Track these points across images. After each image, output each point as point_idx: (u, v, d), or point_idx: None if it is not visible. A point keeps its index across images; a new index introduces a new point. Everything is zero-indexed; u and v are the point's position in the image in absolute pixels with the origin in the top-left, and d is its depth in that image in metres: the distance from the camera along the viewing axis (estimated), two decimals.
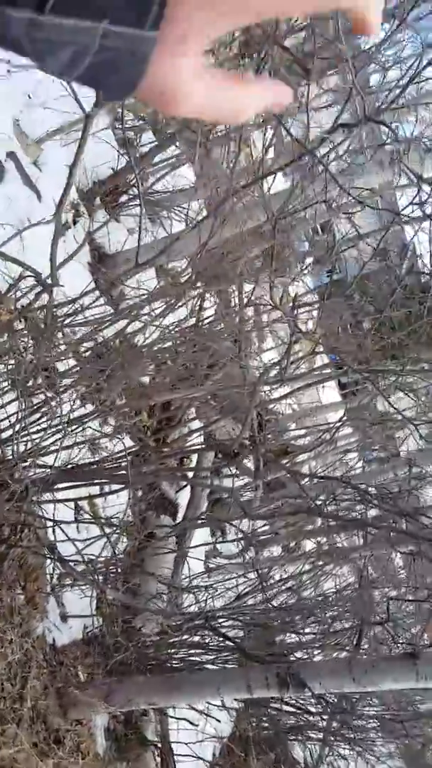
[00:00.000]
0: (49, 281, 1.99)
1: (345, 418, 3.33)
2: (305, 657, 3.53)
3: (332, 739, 4.20)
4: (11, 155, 3.33)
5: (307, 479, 2.60)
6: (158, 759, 3.87)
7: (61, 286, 2.16)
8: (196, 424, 3.66)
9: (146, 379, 3.51)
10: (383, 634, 3.28)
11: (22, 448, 2.67)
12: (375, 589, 3.83)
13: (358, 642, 3.11)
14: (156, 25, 0.38)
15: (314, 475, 2.55)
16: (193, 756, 3.80)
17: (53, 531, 2.81)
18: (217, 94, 0.43)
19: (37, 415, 2.88)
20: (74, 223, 3.77)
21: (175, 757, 3.79)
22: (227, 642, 3.20)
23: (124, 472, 2.44)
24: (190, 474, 3.71)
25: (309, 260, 4.10)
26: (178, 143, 3.68)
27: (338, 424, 2.89)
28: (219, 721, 4.27)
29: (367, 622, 3.19)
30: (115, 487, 2.79)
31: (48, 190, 3.50)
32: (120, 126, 3.71)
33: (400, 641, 3.00)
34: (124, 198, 3.95)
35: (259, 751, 4.71)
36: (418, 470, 3.31)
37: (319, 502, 2.69)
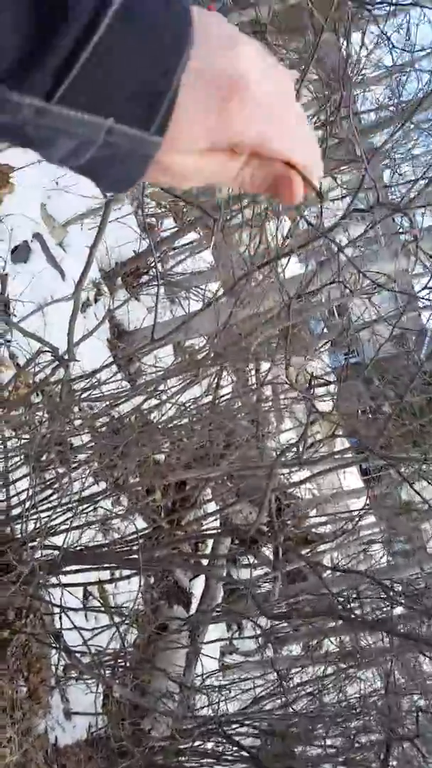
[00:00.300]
0: (66, 357, 1.98)
1: (367, 505, 3.18)
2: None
3: None
4: (37, 236, 3.46)
5: (328, 572, 2.42)
6: None
7: (77, 361, 2.15)
8: (212, 506, 3.52)
9: (161, 457, 3.43)
10: (412, 750, 2.94)
11: (31, 526, 2.57)
12: (403, 697, 3.49)
13: (385, 760, 2.78)
14: (161, 131, 0.39)
15: (336, 568, 2.38)
16: None
17: (59, 618, 2.63)
18: (219, 169, 0.44)
19: (48, 492, 2.80)
20: (95, 300, 3.86)
21: None
22: (242, 752, 2.88)
23: (135, 556, 2.30)
24: (205, 561, 3.53)
25: (325, 342, 4.11)
26: (197, 229, 3.82)
27: (361, 513, 2.75)
28: None
29: (395, 736, 2.87)
30: (125, 572, 2.63)
31: (71, 270, 3.61)
32: (141, 213, 3.89)
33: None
34: (144, 278, 4.06)
35: None
36: None
37: (341, 599, 2.49)
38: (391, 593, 2.49)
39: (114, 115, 0.37)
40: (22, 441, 2.84)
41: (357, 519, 2.77)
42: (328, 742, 3.52)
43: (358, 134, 2.99)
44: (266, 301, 3.21)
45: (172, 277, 3.88)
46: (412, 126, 3.99)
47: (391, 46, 3.35)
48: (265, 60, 0.43)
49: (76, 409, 3.12)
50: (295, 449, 2.21)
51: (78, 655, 2.66)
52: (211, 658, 3.79)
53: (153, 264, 3.64)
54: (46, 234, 3.55)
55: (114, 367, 3.19)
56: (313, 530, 3.93)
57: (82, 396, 3.02)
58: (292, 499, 3.49)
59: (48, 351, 2.02)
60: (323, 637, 4.26)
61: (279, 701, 3.50)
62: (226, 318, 2.85)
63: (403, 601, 2.53)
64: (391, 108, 4.19)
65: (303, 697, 3.66)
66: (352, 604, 2.98)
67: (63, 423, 2.71)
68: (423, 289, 2.67)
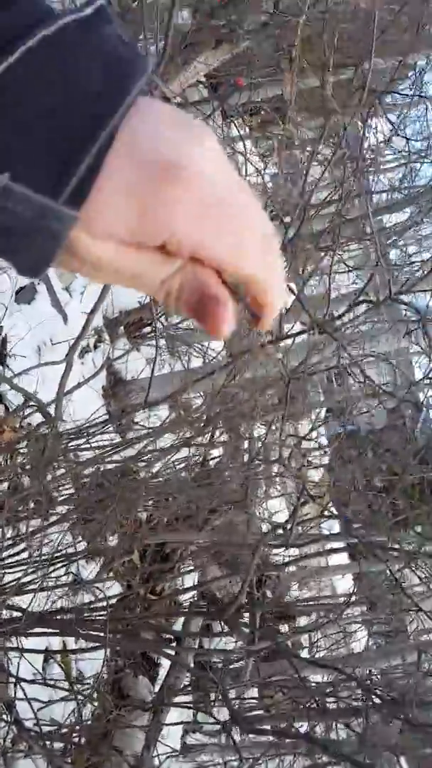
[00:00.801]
0: (53, 414, 1.90)
1: (354, 594, 3.03)
2: None
3: None
4: (44, 278, 3.44)
5: (304, 665, 2.28)
6: None
7: (63, 421, 2.06)
8: (191, 574, 3.36)
9: (143, 516, 3.29)
10: None
11: None
12: None
13: None
14: (76, 202, 0.31)
15: (313, 661, 2.23)
16: None
17: (14, 686, 2.44)
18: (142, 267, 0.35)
19: (20, 547, 2.65)
20: (95, 347, 3.81)
21: None
22: None
23: (101, 632, 2.15)
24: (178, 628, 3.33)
25: (322, 410, 4.05)
26: None
27: (346, 602, 2.61)
28: None
29: None
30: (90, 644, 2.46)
31: (75, 315, 3.57)
32: None
33: None
34: (146, 329, 4.03)
35: None
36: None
37: (315, 694, 2.33)
38: (369, 695, 2.32)
39: (11, 170, 0.30)
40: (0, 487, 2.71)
41: (342, 609, 2.63)
42: None
43: (370, 213, 3.03)
44: (266, 368, 3.16)
45: (174, 331, 3.85)
46: (420, 210, 4.07)
47: (405, 136, 3.43)
48: (223, 157, 0.36)
49: (61, 457, 3.01)
50: (282, 529, 2.10)
51: (30, 729, 2.46)
52: (175, 724, 3.52)
53: (156, 316, 3.61)
54: (54, 277, 3.53)
55: (105, 416, 3.09)
56: (294, 605, 3.75)
57: (69, 445, 2.92)
58: (275, 569, 3.33)
59: (36, 406, 1.94)
60: (294, 720, 4.01)
61: None
62: (224, 381, 2.80)
63: (380, 704, 2.35)
64: (403, 192, 4.28)
65: None
66: (326, 698, 2.80)
67: (44, 474, 2.59)
68: (423, 378, 2.60)
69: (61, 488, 2.87)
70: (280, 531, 2.20)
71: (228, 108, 4.61)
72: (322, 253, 3.06)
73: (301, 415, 3.49)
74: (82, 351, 3.63)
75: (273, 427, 3.15)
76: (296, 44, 3.51)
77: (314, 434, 2.89)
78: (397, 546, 2.33)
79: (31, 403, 1.99)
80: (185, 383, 2.78)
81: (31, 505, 2.74)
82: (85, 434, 2.55)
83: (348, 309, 1.66)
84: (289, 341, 2.82)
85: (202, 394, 3.16)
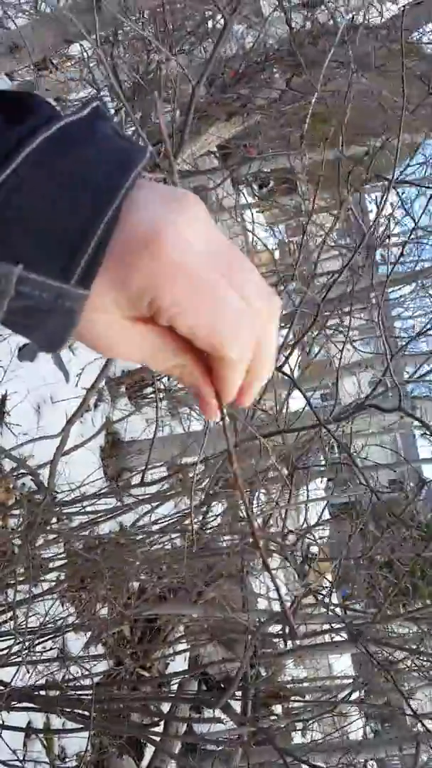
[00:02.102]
0: (47, 485, 1.85)
1: (353, 679, 2.91)
2: None
3: None
4: None
5: (294, 760, 2.15)
6: None
7: (56, 493, 2.01)
8: (182, 648, 3.22)
9: (136, 585, 3.18)
10: None
11: None
12: None
13: None
14: (85, 282, 0.34)
15: (304, 761, 2.11)
16: None
17: None
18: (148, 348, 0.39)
19: (7, 616, 2.55)
20: (95, 406, 3.78)
21: None
22: None
23: (86, 711, 2.04)
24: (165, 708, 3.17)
25: (323, 480, 3.99)
26: None
27: (343, 698, 2.49)
28: None
29: None
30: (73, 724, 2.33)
31: (77, 373, 3.56)
32: None
33: None
34: (148, 389, 4.01)
35: None
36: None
37: None
38: None
39: (21, 262, 0.33)
40: None
41: (339, 702, 2.50)
42: None
43: (374, 284, 3.06)
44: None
45: (176, 393, 3.83)
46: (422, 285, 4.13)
47: (413, 218, 3.51)
48: (209, 224, 0.38)
49: (54, 522, 2.94)
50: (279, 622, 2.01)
51: None
52: None
53: (158, 377, 3.59)
54: None
55: (103, 488, 3.03)
56: (288, 687, 3.57)
57: (63, 510, 2.85)
58: (271, 656, 3.20)
59: (29, 476, 1.89)
60: None
61: None
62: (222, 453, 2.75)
63: None
64: (410, 264, 4.37)
65: None
66: None
67: (35, 540, 2.52)
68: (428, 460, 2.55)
69: (51, 554, 2.78)
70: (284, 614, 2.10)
71: (238, 176, 4.75)
72: (329, 331, 3.07)
73: (300, 484, 3.43)
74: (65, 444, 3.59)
75: (273, 497, 3.08)
76: (307, 120, 3.64)
77: (319, 522, 2.83)
78: (395, 640, 2.23)
79: (24, 472, 1.94)
80: (184, 449, 2.73)
81: (21, 570, 2.66)
82: (80, 502, 2.49)
83: (354, 411, 1.64)
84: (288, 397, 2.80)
85: (201, 459, 3.10)
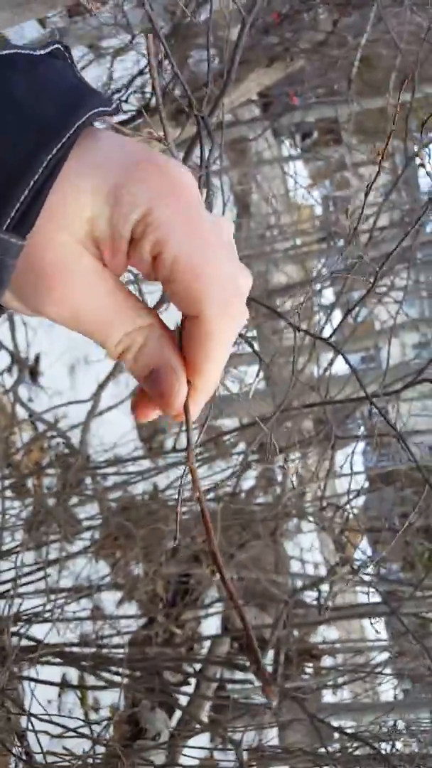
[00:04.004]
0: (79, 448, 1.82)
1: (386, 648, 2.88)
2: None
3: None
4: None
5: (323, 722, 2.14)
6: None
7: (88, 456, 1.99)
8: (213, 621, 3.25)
9: (170, 545, 3.20)
10: None
11: (15, 608, 2.36)
12: None
13: None
14: (20, 231, 0.30)
15: (330, 726, 2.10)
16: None
17: (27, 719, 2.37)
18: (102, 297, 0.33)
19: (45, 572, 2.59)
20: None
21: None
22: None
23: (119, 669, 2.06)
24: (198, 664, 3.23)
25: (361, 444, 3.90)
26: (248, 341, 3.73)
27: (376, 666, 2.46)
28: None
29: None
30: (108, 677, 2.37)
31: None
32: None
33: None
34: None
35: None
36: None
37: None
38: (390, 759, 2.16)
39: None
40: (25, 509, 2.67)
41: (371, 670, 2.48)
42: None
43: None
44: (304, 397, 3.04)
45: None
46: None
47: None
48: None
49: (89, 480, 2.95)
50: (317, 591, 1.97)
51: (40, 762, 2.39)
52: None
53: None
54: None
55: (138, 450, 3.02)
56: (320, 645, 3.60)
57: (97, 469, 2.86)
58: (305, 620, 3.20)
59: (60, 438, 1.87)
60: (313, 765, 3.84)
61: None
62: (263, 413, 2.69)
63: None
64: None
65: None
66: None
67: (69, 498, 2.54)
68: None
69: (85, 515, 2.81)
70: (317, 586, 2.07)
71: (280, 127, 4.52)
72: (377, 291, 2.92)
73: (337, 447, 3.35)
74: (114, 369, 3.56)
75: (309, 461, 3.02)
76: (355, 65, 3.40)
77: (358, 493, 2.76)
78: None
79: (54, 434, 1.93)
80: (219, 411, 2.67)
81: (56, 529, 2.69)
82: (114, 465, 2.48)
83: (407, 385, 1.53)
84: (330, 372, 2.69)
85: (238, 419, 3.05)
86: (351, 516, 2.09)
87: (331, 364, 1.77)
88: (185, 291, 0.32)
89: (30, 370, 2.94)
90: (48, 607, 2.38)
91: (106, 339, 0.34)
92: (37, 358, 3.11)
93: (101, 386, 1.59)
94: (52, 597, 2.35)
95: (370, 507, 3.89)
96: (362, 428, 4.77)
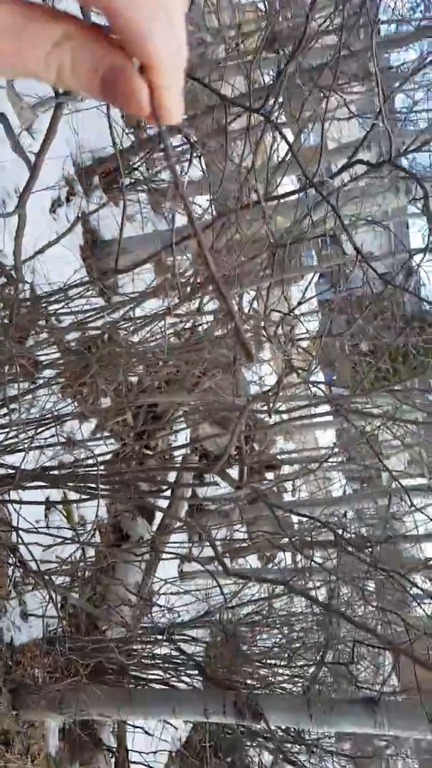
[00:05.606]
0: (14, 275, 1.80)
1: (335, 447, 3.19)
2: (267, 676, 3.44)
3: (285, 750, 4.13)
4: (1, 117, 3.06)
5: (283, 512, 2.45)
6: (112, 762, 3.79)
7: (26, 282, 1.97)
8: (183, 433, 3.49)
9: (134, 379, 3.34)
10: (345, 672, 3.18)
11: None
12: (343, 617, 3.71)
13: (321, 659, 2.99)
14: None
15: (290, 510, 2.41)
16: (146, 765, 3.73)
17: (16, 534, 2.66)
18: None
19: (8, 408, 2.72)
20: (68, 200, 3.50)
21: (130, 764, 3.71)
22: (189, 660, 3.08)
23: (92, 485, 2.28)
24: (171, 478, 3.57)
25: (315, 275, 3.92)
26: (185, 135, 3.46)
27: (327, 457, 2.74)
28: (176, 728, 4.19)
29: (331, 641, 3.09)
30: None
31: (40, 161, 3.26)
32: None
33: (362, 685, 2.90)
34: (126, 181, 3.71)
35: (215, 756, 4.64)
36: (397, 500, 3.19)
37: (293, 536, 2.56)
38: (341, 540, 2.53)
39: None
40: None
41: (322, 461, 2.78)
42: (273, 642, 3.80)
43: (374, 45, 2.62)
44: (256, 228, 2.99)
45: (157, 184, 3.54)
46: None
47: None
48: None
49: (43, 322, 2.97)
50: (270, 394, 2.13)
51: (35, 569, 2.73)
52: (173, 556, 3.91)
53: (137, 165, 3.31)
54: (12, 115, 3.13)
55: (85, 277, 2.98)
56: (278, 456, 3.98)
57: (49, 309, 2.86)
58: (261, 425, 3.48)
59: None
60: (275, 551, 4.47)
61: (230, 611, 3.71)
62: (212, 241, 2.65)
63: (350, 548, 2.56)
64: (416, 22, 3.66)
65: (253, 602, 3.88)
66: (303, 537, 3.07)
67: (18, 337, 2.57)
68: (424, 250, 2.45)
69: (46, 350, 2.87)
70: (269, 393, 2.23)
71: None
72: (321, 93, 2.72)
73: (292, 280, 3.38)
74: (53, 205, 3.36)
75: (262, 293, 3.07)
76: None
77: (304, 299, 2.82)
78: (375, 410, 2.40)
79: None
80: (168, 243, 2.63)
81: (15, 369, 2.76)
82: (65, 297, 2.48)
83: (343, 168, 1.50)
84: (278, 201, 2.62)
85: (188, 256, 3.02)
86: (297, 325, 2.19)
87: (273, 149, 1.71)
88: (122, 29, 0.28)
89: None
90: (21, 437, 2.54)
91: (30, 67, 0.29)
92: None
93: (22, 196, 1.52)
94: (20, 429, 2.50)
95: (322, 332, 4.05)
96: (315, 260, 4.78)
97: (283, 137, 2.09)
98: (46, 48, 0.29)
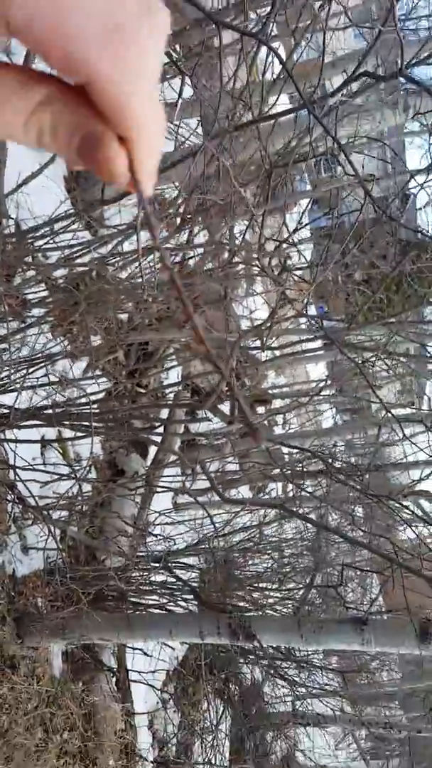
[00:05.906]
0: None
1: (326, 380, 3.21)
2: (259, 599, 3.61)
3: (275, 667, 4.41)
4: None
5: (274, 445, 2.50)
6: (113, 681, 4.02)
7: (10, 218, 1.90)
8: (174, 370, 3.49)
9: (124, 317, 3.29)
10: (335, 594, 3.34)
11: None
12: (332, 543, 3.87)
13: (311, 582, 3.14)
14: None
15: (281, 442, 2.44)
16: (145, 683, 3.96)
17: (13, 472, 2.69)
18: None
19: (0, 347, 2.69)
20: None
21: (130, 683, 3.94)
22: (185, 586, 3.21)
23: (86, 423, 2.29)
24: (164, 415, 3.60)
25: (307, 201, 3.81)
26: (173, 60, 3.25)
27: (317, 390, 2.77)
28: (173, 648, 4.44)
29: (320, 565, 3.25)
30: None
31: None
32: None
33: (350, 606, 3.05)
34: None
35: (210, 672, 4.96)
36: (387, 431, 3.26)
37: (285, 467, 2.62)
38: (331, 469, 2.59)
39: None
40: None
41: (313, 395, 2.80)
42: (264, 566, 3.97)
43: None
44: (248, 150, 2.87)
45: None
46: None
47: None
48: None
49: (29, 258, 2.89)
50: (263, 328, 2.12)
51: (33, 504, 2.79)
52: (167, 489, 4.02)
53: None
54: None
55: (70, 210, 2.87)
56: (269, 391, 4.01)
57: (35, 246, 2.77)
58: (253, 361, 3.48)
59: None
60: (266, 481, 4.60)
61: (223, 539, 3.84)
62: (203, 168, 2.55)
63: (340, 477, 2.64)
64: None
65: (245, 530, 4.02)
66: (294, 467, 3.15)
67: (5, 272, 2.51)
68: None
69: (33, 290, 2.81)
70: (261, 327, 2.22)
71: None
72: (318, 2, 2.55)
73: (285, 207, 3.28)
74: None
75: (254, 222, 2.98)
76: None
77: (298, 227, 2.74)
78: (367, 343, 2.40)
79: None
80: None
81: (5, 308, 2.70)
82: (50, 231, 2.39)
83: (347, 82, 1.41)
84: (272, 121, 2.51)
85: (176, 185, 2.91)
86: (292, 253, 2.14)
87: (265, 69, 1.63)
88: (58, 55, 0.27)
89: None
90: (13, 377, 2.53)
91: (11, 133, 0.30)
92: None
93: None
94: (11, 368, 2.48)
95: (316, 262, 3.98)
96: (308, 186, 4.64)
97: (277, 56, 1.98)
98: (27, 113, 0.29)
